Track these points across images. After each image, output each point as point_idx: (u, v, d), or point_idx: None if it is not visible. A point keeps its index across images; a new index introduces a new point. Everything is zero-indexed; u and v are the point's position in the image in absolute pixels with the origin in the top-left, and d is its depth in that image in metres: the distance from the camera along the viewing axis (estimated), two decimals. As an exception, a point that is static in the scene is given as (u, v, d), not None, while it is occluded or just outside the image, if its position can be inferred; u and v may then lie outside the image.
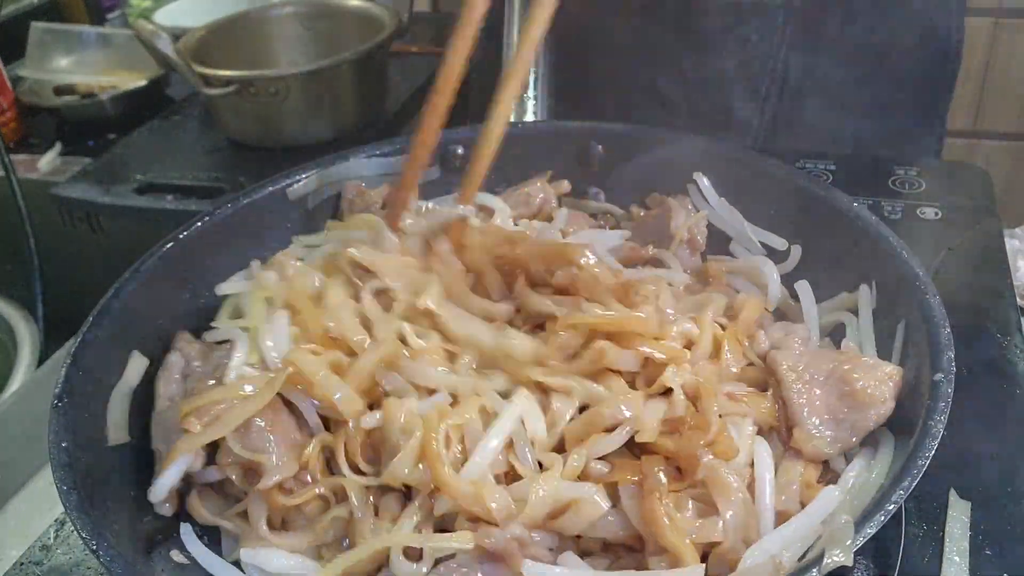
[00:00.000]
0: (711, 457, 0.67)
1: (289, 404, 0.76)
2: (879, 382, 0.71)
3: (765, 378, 0.76)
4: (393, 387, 0.75)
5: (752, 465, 0.69)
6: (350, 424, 0.73)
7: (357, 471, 0.72)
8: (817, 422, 0.71)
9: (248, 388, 0.75)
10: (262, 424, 0.73)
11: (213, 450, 0.75)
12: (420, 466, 0.68)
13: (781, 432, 0.72)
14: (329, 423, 0.76)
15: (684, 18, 1.27)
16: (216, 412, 0.74)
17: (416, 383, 0.75)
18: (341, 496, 0.72)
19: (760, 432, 0.73)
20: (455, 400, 0.74)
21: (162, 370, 0.84)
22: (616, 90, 1.37)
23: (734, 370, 0.77)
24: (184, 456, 0.73)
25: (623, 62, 1.36)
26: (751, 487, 0.68)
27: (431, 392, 0.75)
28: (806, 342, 0.80)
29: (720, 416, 0.69)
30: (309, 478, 0.73)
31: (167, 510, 0.75)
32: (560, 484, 0.67)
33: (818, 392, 0.72)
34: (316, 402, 0.75)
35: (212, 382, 0.80)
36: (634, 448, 0.71)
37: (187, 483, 0.76)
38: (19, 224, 1.45)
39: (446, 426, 0.69)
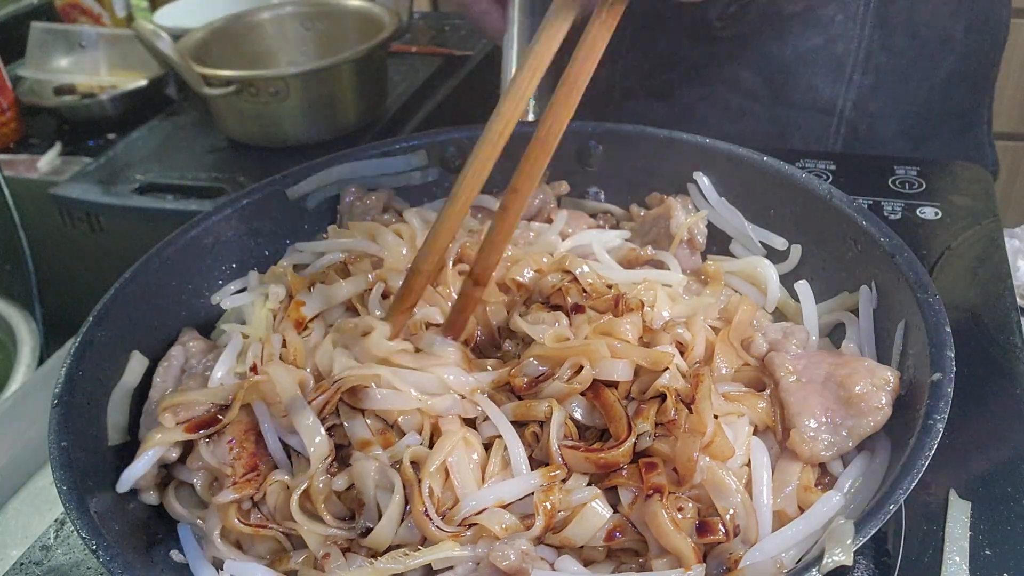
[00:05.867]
0: (708, 460, 0.67)
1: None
2: (876, 387, 0.71)
3: (761, 377, 0.76)
4: (353, 431, 0.72)
5: (749, 465, 0.69)
6: (317, 475, 0.70)
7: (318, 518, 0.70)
8: (814, 425, 0.71)
9: (222, 397, 0.75)
10: (234, 436, 0.73)
11: (189, 448, 0.75)
12: (405, 524, 0.67)
13: (778, 433, 0.72)
14: (290, 454, 0.75)
15: (772, 4, 1.29)
16: (192, 412, 0.74)
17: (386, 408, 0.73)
18: (299, 542, 0.70)
19: (756, 432, 0.73)
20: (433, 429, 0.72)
21: (163, 361, 0.85)
22: (693, 77, 1.39)
23: (724, 371, 0.77)
24: (155, 448, 0.73)
25: (700, 49, 1.37)
26: (748, 487, 0.68)
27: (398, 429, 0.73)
28: (804, 344, 0.80)
29: (716, 417, 0.69)
30: (266, 514, 0.72)
31: (152, 499, 0.76)
32: (566, 494, 0.67)
33: (816, 395, 0.72)
34: (279, 427, 0.74)
35: (199, 382, 0.81)
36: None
37: (170, 475, 0.77)
38: (11, 224, 1.45)
39: (428, 478, 0.67)
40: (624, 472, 0.68)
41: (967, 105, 1.41)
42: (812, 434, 0.70)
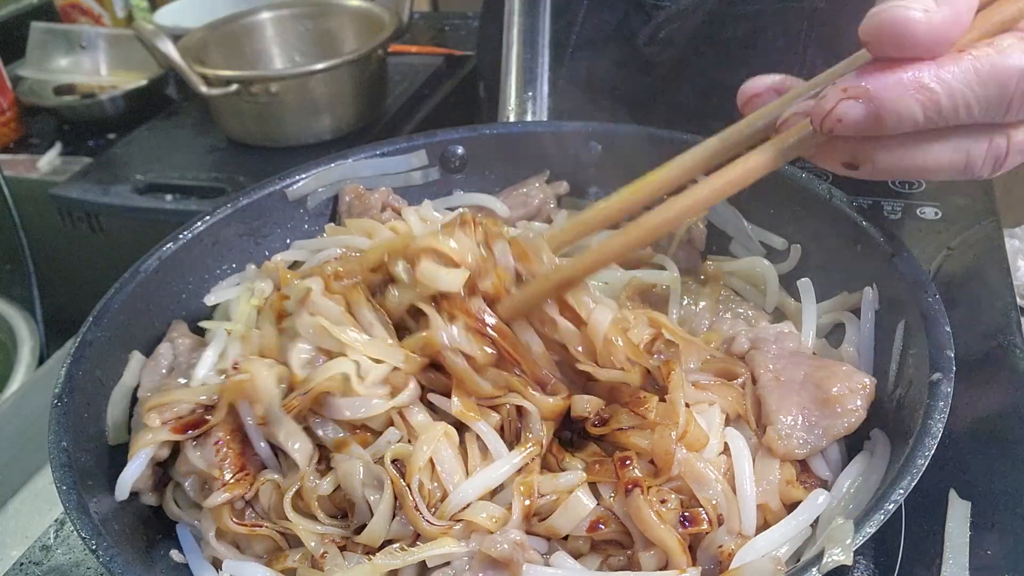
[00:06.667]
0: (684, 451, 0.67)
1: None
2: (852, 391, 0.72)
3: (731, 368, 0.77)
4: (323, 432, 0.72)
5: (724, 454, 0.70)
6: (307, 477, 0.70)
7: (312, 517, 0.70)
8: (790, 423, 0.72)
9: (203, 396, 0.75)
10: (220, 437, 0.73)
11: (179, 447, 0.75)
12: (398, 519, 0.67)
13: (751, 424, 0.73)
14: (278, 452, 0.74)
15: (709, 28, 1.27)
16: (177, 411, 0.74)
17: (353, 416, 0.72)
18: (295, 540, 0.70)
19: (728, 421, 0.73)
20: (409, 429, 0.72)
21: (150, 359, 0.84)
22: (633, 106, 1.37)
23: (692, 365, 0.78)
24: (144, 450, 0.73)
25: (637, 77, 1.35)
26: (728, 477, 0.68)
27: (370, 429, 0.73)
28: (795, 350, 0.80)
29: (688, 406, 0.70)
30: (260, 513, 0.72)
31: (151, 500, 0.76)
32: (546, 479, 0.68)
33: (793, 394, 0.73)
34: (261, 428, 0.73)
35: (183, 379, 0.80)
36: (604, 443, 0.72)
37: (168, 475, 0.77)
38: (12, 224, 1.45)
39: (418, 472, 0.67)
40: (599, 466, 0.69)
41: None
42: (787, 431, 0.71)
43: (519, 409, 0.72)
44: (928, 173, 0.64)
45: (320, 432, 0.72)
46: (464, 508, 0.67)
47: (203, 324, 0.88)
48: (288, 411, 0.71)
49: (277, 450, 0.74)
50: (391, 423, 0.72)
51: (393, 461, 0.69)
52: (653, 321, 0.80)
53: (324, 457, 0.72)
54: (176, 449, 0.75)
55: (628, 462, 0.67)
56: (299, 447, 0.71)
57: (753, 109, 0.72)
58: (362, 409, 0.71)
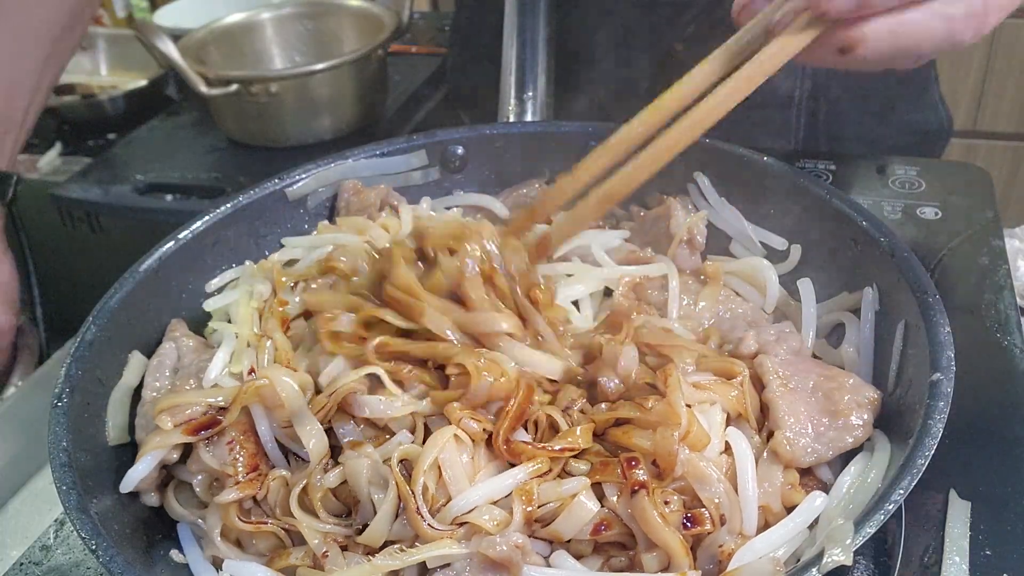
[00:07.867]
0: (687, 452, 0.67)
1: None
2: (859, 405, 0.73)
3: (730, 368, 0.77)
4: (344, 433, 0.73)
5: (726, 453, 0.70)
6: (314, 474, 0.70)
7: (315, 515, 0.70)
8: (799, 430, 0.72)
9: (219, 398, 0.75)
10: (234, 437, 0.73)
11: (189, 448, 0.75)
12: (399, 520, 0.67)
13: (751, 422, 0.74)
14: (288, 454, 0.75)
15: (711, 32, 1.28)
16: (190, 414, 0.74)
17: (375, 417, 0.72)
18: (298, 538, 0.70)
19: (729, 421, 0.73)
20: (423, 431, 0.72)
21: (154, 358, 0.84)
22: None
23: (690, 369, 0.78)
24: (155, 451, 0.73)
25: (663, 75, 1.36)
26: (730, 476, 0.69)
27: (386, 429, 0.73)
28: (798, 351, 0.80)
29: (688, 406, 0.70)
30: (266, 510, 0.72)
31: (153, 500, 0.76)
32: (549, 485, 0.68)
33: (802, 403, 0.74)
34: (276, 429, 0.74)
35: (193, 382, 0.80)
36: (606, 443, 0.72)
37: (170, 475, 0.77)
38: (12, 225, 1.45)
39: (424, 474, 0.67)
40: (604, 467, 0.69)
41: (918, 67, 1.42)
42: (795, 438, 0.71)
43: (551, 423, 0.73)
44: (916, 47, 0.70)
45: (341, 432, 0.72)
46: (468, 512, 0.67)
47: (212, 325, 0.88)
48: (315, 410, 0.72)
49: (287, 451, 0.75)
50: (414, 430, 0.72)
51: (402, 461, 0.69)
52: (648, 346, 0.79)
53: (334, 459, 0.72)
54: (186, 450, 0.75)
55: (635, 463, 0.67)
56: (315, 442, 0.71)
57: (748, 18, 0.76)
58: (383, 408, 0.71)
